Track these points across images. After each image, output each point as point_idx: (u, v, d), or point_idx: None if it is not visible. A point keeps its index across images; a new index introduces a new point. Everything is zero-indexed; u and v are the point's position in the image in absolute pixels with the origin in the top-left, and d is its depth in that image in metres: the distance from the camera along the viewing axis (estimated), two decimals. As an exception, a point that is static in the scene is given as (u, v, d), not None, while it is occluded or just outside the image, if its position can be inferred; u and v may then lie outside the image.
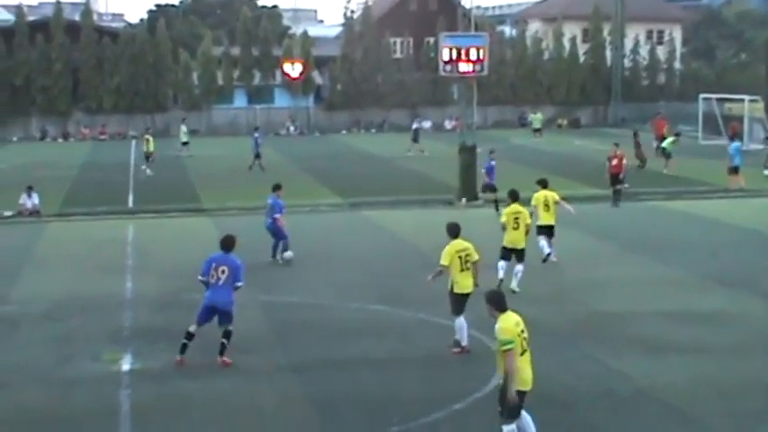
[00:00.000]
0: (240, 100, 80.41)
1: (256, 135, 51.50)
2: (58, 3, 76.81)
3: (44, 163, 55.19)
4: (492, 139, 65.73)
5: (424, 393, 15.76)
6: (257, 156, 50.06)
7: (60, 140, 74.07)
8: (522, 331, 12.75)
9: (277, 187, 27.49)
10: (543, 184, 26.00)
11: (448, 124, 79.47)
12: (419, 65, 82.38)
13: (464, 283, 17.89)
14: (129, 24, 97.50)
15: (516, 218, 22.64)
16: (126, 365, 17.50)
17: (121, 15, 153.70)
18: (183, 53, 79.80)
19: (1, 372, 17.18)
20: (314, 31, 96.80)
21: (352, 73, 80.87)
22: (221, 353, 17.34)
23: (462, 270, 17.86)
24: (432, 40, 77.21)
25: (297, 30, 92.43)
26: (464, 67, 38.04)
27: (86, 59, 76.19)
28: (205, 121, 78.41)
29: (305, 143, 68.58)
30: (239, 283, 17.70)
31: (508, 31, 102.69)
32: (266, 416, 14.92)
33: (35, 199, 36.70)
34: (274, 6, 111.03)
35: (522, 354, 12.59)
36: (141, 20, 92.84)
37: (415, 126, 61.80)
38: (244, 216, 35.46)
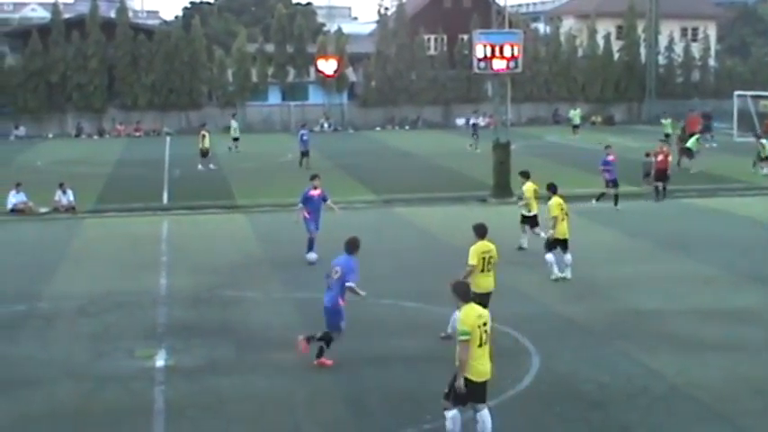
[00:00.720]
0: (274, 97, 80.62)
1: (302, 132, 51.00)
2: (94, 0, 77.21)
3: (79, 160, 55.57)
4: (526, 136, 65.65)
5: (457, 390, 15.73)
6: (304, 153, 49.63)
7: (95, 137, 74.54)
8: (485, 324, 13.00)
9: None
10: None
11: (482, 121, 79.35)
12: (453, 62, 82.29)
13: (484, 284, 17.88)
14: (165, 22, 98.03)
15: (563, 209, 23.83)
16: (160, 362, 17.56)
17: (156, 13, 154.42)
18: (218, 50, 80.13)
19: (36, 368, 17.29)
20: (348, 28, 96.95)
21: (386, 70, 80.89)
22: (318, 354, 17.07)
23: (483, 270, 17.89)
24: (465, 37, 77.05)
25: (331, 27, 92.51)
26: (498, 64, 37.93)
27: (122, 57, 76.65)
28: (239, 118, 78.58)
29: (339, 140, 68.61)
30: (348, 284, 17.16)
31: (542, 28, 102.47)
32: (299, 412, 14.95)
33: (70, 196, 36.93)
34: (309, 3, 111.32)
35: (480, 346, 12.87)
36: (176, 17, 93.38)
37: (472, 121, 62.14)
38: (277, 213, 35.54)
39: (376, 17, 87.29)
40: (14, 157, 57.33)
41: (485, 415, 13.21)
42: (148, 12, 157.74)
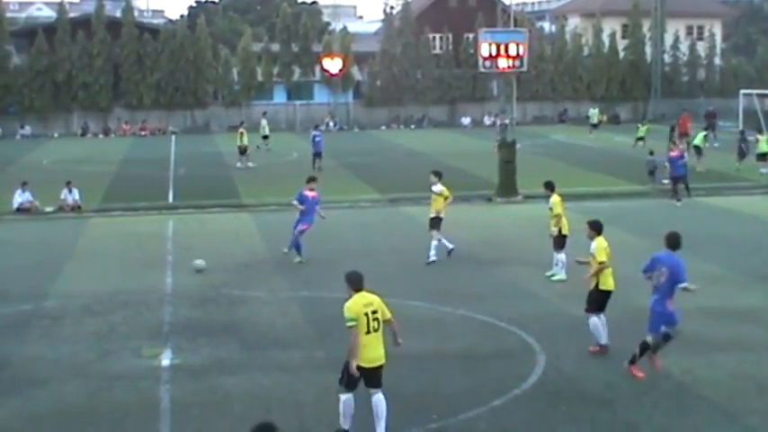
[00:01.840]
0: (280, 96, 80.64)
1: (315, 133, 50.22)
2: (100, 0, 77.34)
3: (85, 159, 55.62)
4: (532, 135, 65.58)
5: (464, 389, 15.74)
6: (317, 155, 48.66)
7: (101, 136, 74.58)
8: (374, 312, 13.37)
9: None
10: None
11: (487, 120, 79.31)
12: (458, 61, 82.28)
13: (609, 281, 17.64)
14: (170, 21, 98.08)
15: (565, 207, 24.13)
16: (166, 361, 17.58)
17: (162, 12, 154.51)
18: (223, 49, 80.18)
19: (43, 366, 17.31)
20: (353, 27, 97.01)
21: (391, 69, 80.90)
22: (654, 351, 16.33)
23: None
24: (471, 36, 77.04)
25: (336, 26, 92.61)
26: (503, 63, 37.93)
27: (127, 56, 76.73)
28: (244, 117, 78.61)
29: (344, 139, 68.60)
30: (681, 285, 15.84)
31: (547, 26, 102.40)
32: (305, 411, 14.95)
33: (75, 195, 36.97)
34: (314, 2, 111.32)
35: (368, 333, 13.26)
36: (181, 16, 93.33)
37: (498, 122, 62.26)
38: (283, 212, 35.51)
39: (381, 16, 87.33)
40: (20, 157, 57.39)
41: (379, 399, 13.58)
42: (154, 11, 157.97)
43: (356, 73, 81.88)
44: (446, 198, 26.34)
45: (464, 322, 20.03)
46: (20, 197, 36.64)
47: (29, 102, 75.08)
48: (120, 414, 14.92)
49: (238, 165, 49.84)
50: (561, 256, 23.57)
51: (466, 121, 79.94)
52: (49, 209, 36.57)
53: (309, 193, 26.70)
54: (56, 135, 74.27)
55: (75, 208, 36.60)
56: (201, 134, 74.23)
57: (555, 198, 23.95)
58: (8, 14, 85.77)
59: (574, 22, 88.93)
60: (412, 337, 18.72)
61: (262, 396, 15.59)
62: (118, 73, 76.95)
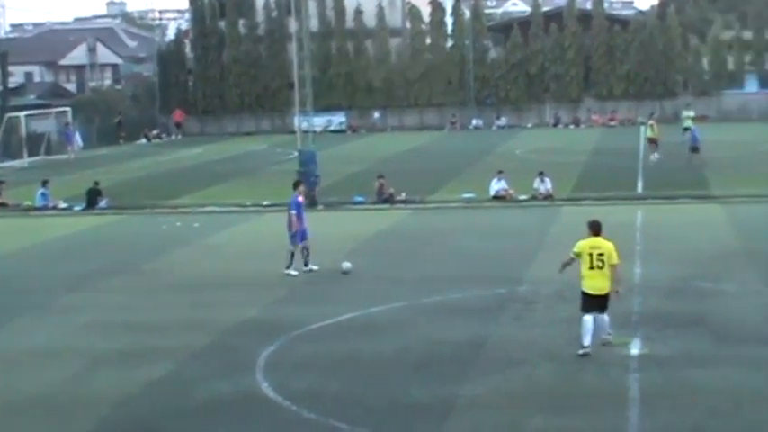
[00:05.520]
0: (751, 85, 77.81)
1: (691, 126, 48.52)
2: (571, -7, 78.72)
3: (556, 149, 56.88)
4: None
5: None
6: (693, 149, 46.54)
7: (572, 127, 75.78)
8: (600, 254, 17.16)
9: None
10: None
11: None
12: None
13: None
14: (640, 11, 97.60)
15: None
16: (635, 350, 17.71)
17: (631, 2, 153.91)
18: (693, 38, 78.60)
19: (517, 348, 18.09)
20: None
21: None
22: None
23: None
24: None
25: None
26: None
27: (597, 47, 77.39)
28: (715, 106, 76.69)
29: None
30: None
31: None
32: (774, 409, 14.57)
33: (548, 184, 37.97)
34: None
35: (591, 268, 17.36)
36: (651, 6, 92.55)
37: None
38: (755, 204, 34.52)
39: None
40: (496, 146, 59.74)
41: (601, 317, 16.75)
42: (624, 2, 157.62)
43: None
44: None
45: None
46: (496, 185, 38.24)
47: (504, 93, 77.93)
48: (589, 398, 15.30)
49: (652, 158, 48.41)
50: None
51: None
52: (522, 197, 37.86)
53: (302, 198, 25.77)
54: (529, 125, 76.45)
55: (548, 197, 37.60)
56: (667, 124, 73.38)
57: None
58: (486, 11, 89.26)
59: None
60: None
61: (731, 392, 15.33)
62: (588, 64, 77.83)
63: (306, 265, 25.32)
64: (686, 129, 52.26)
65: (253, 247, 30.21)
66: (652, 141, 49.55)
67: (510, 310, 20.99)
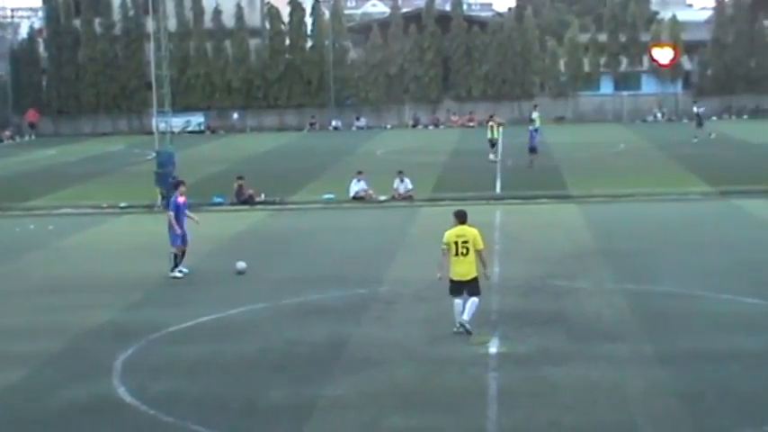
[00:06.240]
0: (606, 87, 79.76)
1: (531, 128, 49.71)
2: (430, -6, 79.50)
3: (416, 149, 57.26)
4: None
5: (801, 392, 15.06)
6: (532, 149, 47.77)
7: (431, 127, 76.43)
8: (465, 241, 18.09)
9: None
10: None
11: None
12: (796, 47, 78.42)
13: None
14: (498, 13, 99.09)
15: None
16: (493, 348, 17.84)
17: (490, 5, 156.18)
18: (550, 40, 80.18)
19: (378, 348, 18.04)
20: (682, 15, 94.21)
21: (723, 58, 78.18)
22: None
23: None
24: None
25: (665, 15, 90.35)
26: None
27: (456, 48, 78.28)
28: (571, 107, 78.39)
29: (672, 130, 66.97)
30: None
31: None
32: (632, 405, 14.80)
33: (407, 184, 38.16)
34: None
35: (457, 255, 18.20)
36: (509, 8, 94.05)
37: None
38: (610, 203, 35.32)
39: (712, 3, 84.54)
40: (356, 147, 59.86)
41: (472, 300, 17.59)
42: (482, 4, 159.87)
43: (685, 62, 79.72)
44: None
45: (801, 322, 19.20)
46: (355, 186, 38.26)
47: (364, 94, 78.21)
48: (450, 397, 15.33)
49: (491, 157, 49.42)
50: None
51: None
52: (382, 197, 37.97)
53: (181, 199, 25.21)
54: (388, 126, 76.86)
55: (408, 197, 37.77)
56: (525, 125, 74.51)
57: None
58: (346, 11, 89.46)
59: None
60: (745, 336, 18.21)
61: (588, 387, 15.56)
62: (447, 65, 78.71)
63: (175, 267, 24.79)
64: (535, 129, 53.30)
65: (109, 249, 29.60)
66: (492, 143, 50.30)
67: (370, 311, 20.96)
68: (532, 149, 47.21)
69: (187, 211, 25.38)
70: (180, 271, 24.64)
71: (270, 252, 28.26)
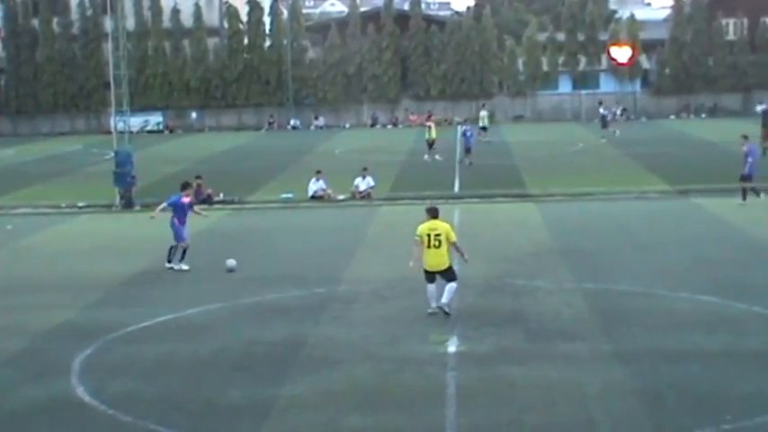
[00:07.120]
0: (565, 85, 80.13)
1: (465, 128, 49.83)
2: (389, -6, 79.48)
3: (374, 149, 57.22)
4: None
5: (760, 390, 15.12)
6: (467, 150, 48.10)
7: (389, 127, 76.43)
8: (437, 235, 19.32)
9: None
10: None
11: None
12: (754, 47, 79.12)
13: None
14: (456, 13, 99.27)
15: None
16: (452, 347, 17.84)
17: (448, 4, 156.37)
18: (509, 40, 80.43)
19: (336, 348, 17.98)
20: (641, 14, 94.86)
21: (681, 56, 78.78)
22: None
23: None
24: (768, 20, 73.94)
25: (623, 13, 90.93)
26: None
27: (415, 48, 78.34)
28: (530, 106, 78.70)
29: (631, 129, 67.36)
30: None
31: None
32: (591, 403, 14.82)
33: (370, 181, 38.12)
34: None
35: (429, 248, 19.45)
36: (468, 8, 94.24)
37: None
38: (569, 202, 35.42)
39: (670, 2, 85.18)
40: (315, 147, 59.73)
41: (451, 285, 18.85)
42: (440, 3, 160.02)
43: (644, 61, 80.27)
44: None
45: (760, 320, 19.29)
46: (314, 185, 38.17)
47: (322, 94, 78.11)
48: (408, 397, 15.29)
49: (426, 157, 49.63)
50: None
51: (760, 108, 76.71)
52: (341, 197, 37.89)
53: (186, 199, 26.08)
54: (347, 126, 76.79)
55: (366, 196, 37.71)
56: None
57: None
58: (304, 11, 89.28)
59: None
60: (703, 334, 18.28)
61: (546, 387, 15.56)
62: (405, 65, 78.77)
63: (169, 261, 25.30)
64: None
65: (68, 249, 29.38)
66: (430, 143, 50.35)
67: (329, 310, 20.87)
68: (467, 150, 47.40)
69: (195, 207, 26.65)
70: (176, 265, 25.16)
71: (228, 252, 28.01)
